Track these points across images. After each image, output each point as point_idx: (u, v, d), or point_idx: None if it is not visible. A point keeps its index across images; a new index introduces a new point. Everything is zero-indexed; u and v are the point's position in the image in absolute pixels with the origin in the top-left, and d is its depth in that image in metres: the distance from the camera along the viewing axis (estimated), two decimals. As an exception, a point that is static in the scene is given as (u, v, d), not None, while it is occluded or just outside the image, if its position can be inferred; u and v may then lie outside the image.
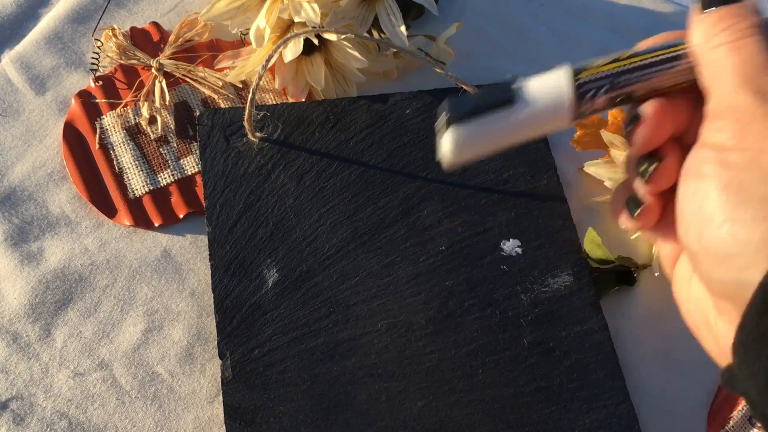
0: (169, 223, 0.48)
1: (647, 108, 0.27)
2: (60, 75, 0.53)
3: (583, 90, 0.27)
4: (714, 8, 0.26)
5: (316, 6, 0.47)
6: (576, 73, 0.27)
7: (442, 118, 0.27)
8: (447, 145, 0.27)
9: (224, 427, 0.41)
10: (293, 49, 0.48)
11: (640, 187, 0.29)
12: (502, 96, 0.27)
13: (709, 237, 0.24)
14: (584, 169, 0.49)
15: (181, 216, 0.49)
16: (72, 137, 0.50)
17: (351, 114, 0.51)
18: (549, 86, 0.27)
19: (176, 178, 0.50)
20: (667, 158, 0.28)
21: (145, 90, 0.52)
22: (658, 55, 0.27)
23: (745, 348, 0.22)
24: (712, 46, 0.25)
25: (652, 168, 0.28)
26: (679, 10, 0.61)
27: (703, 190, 0.25)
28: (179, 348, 0.44)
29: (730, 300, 0.24)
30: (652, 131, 0.27)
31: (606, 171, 0.48)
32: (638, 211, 0.29)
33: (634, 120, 0.28)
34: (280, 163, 0.49)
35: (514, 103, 0.26)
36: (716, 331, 0.27)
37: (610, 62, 0.27)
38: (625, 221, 0.30)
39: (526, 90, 0.27)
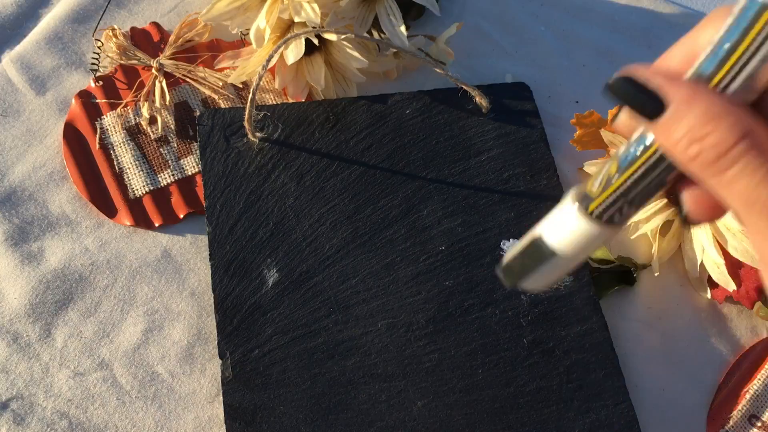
0: (170, 223, 0.48)
1: (686, 209, 0.25)
2: (60, 75, 0.53)
3: (605, 218, 0.26)
4: (665, 111, 0.22)
5: (316, 6, 0.47)
6: (586, 207, 0.26)
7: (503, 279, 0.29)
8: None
9: (224, 427, 0.41)
10: (295, 51, 0.48)
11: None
12: (540, 256, 0.27)
13: None
14: (584, 168, 0.49)
15: (182, 216, 0.49)
16: (72, 137, 0.51)
17: (351, 114, 0.51)
18: (574, 232, 0.26)
19: (176, 178, 0.50)
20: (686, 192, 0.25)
21: (145, 90, 0.52)
22: (652, 155, 0.24)
23: None
24: (700, 177, 0.22)
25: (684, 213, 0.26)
26: (679, 11, 0.61)
27: None
28: (179, 348, 0.44)
29: None
30: (706, 217, 0.25)
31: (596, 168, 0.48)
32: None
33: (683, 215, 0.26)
34: (281, 163, 0.49)
35: (555, 255, 0.27)
36: None
37: (606, 184, 0.25)
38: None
39: (557, 246, 0.27)
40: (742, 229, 0.23)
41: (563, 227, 0.27)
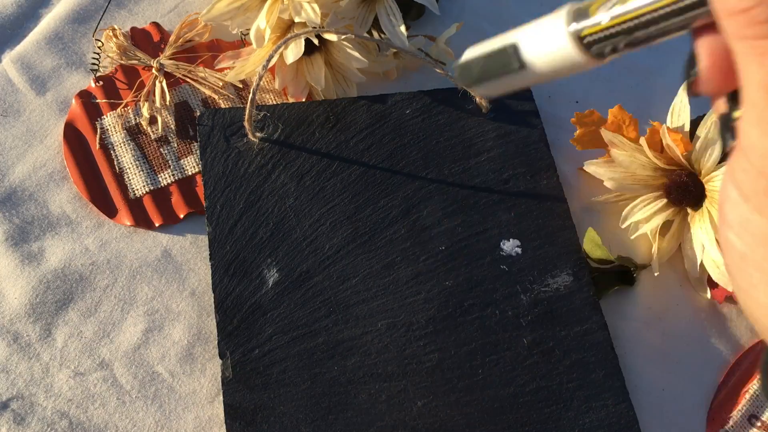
0: (170, 223, 0.48)
1: (701, 64, 0.21)
2: (60, 75, 0.53)
3: (595, 50, 0.23)
4: None
5: (316, 6, 0.47)
6: (580, 32, 0.22)
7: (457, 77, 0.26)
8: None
9: (224, 427, 0.41)
10: (295, 51, 0.48)
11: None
12: (507, 65, 0.24)
13: None
14: (584, 168, 0.49)
15: (182, 216, 0.49)
16: (72, 137, 0.51)
17: (351, 114, 0.51)
18: (555, 53, 0.23)
19: (176, 178, 0.50)
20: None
21: (145, 90, 0.52)
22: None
23: None
24: (735, 34, 0.19)
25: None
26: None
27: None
28: (179, 348, 0.45)
29: None
30: (718, 84, 0.21)
31: (606, 170, 0.48)
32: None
33: (693, 74, 0.22)
34: (281, 163, 0.49)
35: (524, 69, 0.24)
36: None
37: (617, 15, 0.22)
38: None
39: (530, 60, 0.24)
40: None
41: (545, 44, 0.23)
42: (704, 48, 0.21)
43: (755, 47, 0.18)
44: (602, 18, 0.22)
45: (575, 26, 0.23)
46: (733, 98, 0.21)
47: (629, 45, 0.22)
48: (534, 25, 0.24)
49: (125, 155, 0.50)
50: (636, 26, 0.22)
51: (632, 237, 0.48)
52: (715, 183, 0.44)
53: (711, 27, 0.20)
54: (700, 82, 0.21)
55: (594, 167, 0.49)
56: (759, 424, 0.44)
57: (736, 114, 0.21)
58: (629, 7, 0.21)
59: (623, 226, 0.48)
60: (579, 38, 0.22)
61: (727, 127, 0.22)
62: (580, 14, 0.23)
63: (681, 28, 0.21)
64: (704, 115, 0.46)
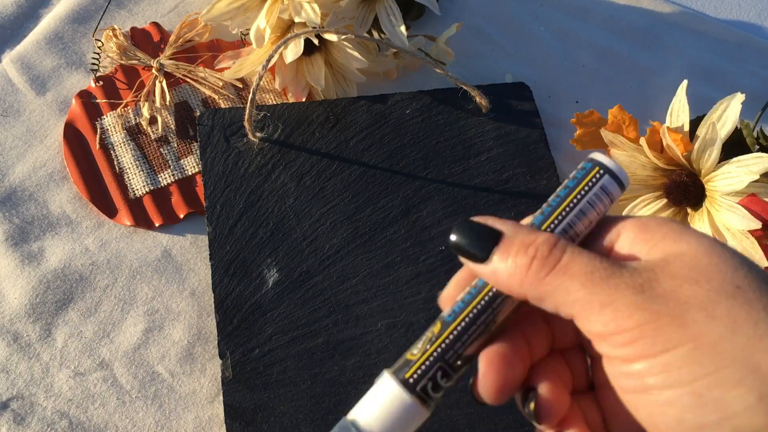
0: (170, 223, 0.48)
1: (480, 363, 0.25)
2: (60, 75, 0.53)
3: (419, 388, 0.25)
4: (495, 242, 0.25)
5: (316, 6, 0.47)
6: (403, 380, 0.25)
7: None
8: None
9: (224, 427, 0.41)
10: (294, 50, 0.48)
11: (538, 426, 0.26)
12: None
13: None
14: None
15: (182, 216, 0.49)
16: (72, 137, 0.51)
17: (351, 114, 0.51)
18: (389, 413, 0.24)
19: (176, 178, 0.50)
20: (541, 386, 0.26)
21: (145, 90, 0.52)
22: (469, 313, 0.25)
23: None
24: (533, 284, 0.24)
25: (533, 406, 0.25)
26: (678, 10, 0.61)
27: (661, 407, 0.22)
28: (180, 348, 0.45)
29: None
30: (497, 381, 0.25)
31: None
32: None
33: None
34: (281, 163, 0.49)
35: None
36: None
37: (427, 346, 0.25)
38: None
39: (370, 426, 0.24)
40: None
41: (378, 405, 0.24)
42: (483, 357, 0.25)
43: (558, 271, 0.23)
44: (414, 352, 0.25)
45: (394, 374, 0.25)
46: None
47: (445, 374, 0.25)
48: (366, 395, 0.25)
49: (125, 155, 0.50)
50: (450, 344, 0.25)
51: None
52: (714, 183, 0.44)
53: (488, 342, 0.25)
54: (478, 385, 0.25)
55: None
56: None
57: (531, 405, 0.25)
58: (435, 338, 0.25)
59: None
60: (404, 381, 0.24)
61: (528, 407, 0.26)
62: (401, 364, 0.25)
63: (485, 329, 0.25)
64: (704, 115, 0.46)
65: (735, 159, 0.43)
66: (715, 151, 0.43)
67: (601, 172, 0.26)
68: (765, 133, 0.49)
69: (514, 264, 0.24)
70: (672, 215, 0.47)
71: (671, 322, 0.21)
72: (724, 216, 0.43)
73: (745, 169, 0.41)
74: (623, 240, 0.25)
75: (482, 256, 0.25)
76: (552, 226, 0.25)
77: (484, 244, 0.25)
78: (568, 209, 0.25)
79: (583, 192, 0.25)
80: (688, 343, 0.21)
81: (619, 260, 0.24)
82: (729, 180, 0.42)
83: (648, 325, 0.22)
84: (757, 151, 0.48)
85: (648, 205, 0.47)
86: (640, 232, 0.24)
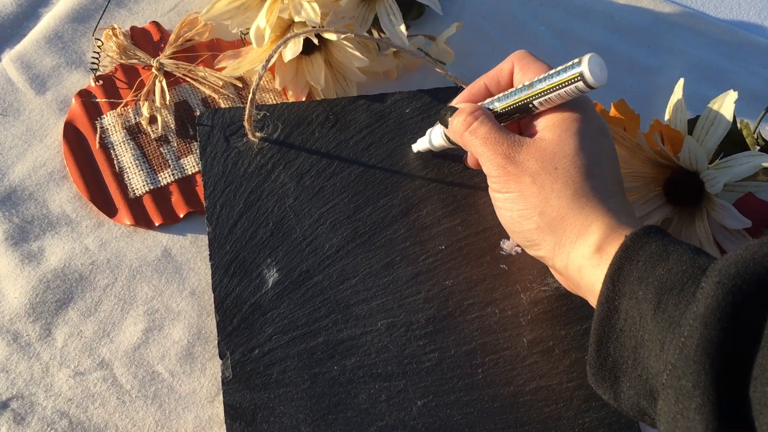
0: (170, 222, 0.48)
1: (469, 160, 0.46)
2: (60, 74, 0.53)
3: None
4: (451, 116, 0.41)
5: (316, 6, 0.47)
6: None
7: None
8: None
9: (224, 427, 0.41)
10: (293, 49, 0.48)
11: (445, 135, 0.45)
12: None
13: (517, 237, 0.41)
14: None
15: (182, 215, 0.49)
16: (72, 137, 0.51)
17: (351, 114, 0.51)
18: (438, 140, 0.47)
19: (176, 177, 0.50)
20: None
21: (145, 89, 0.52)
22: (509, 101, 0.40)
23: None
24: (460, 135, 0.41)
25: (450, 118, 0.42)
26: (678, 11, 0.61)
27: (503, 215, 0.40)
28: (179, 347, 0.45)
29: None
30: (473, 159, 0.44)
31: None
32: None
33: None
34: (280, 162, 0.49)
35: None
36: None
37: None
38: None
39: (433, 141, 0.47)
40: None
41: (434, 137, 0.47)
42: (470, 156, 0.44)
43: (471, 132, 0.41)
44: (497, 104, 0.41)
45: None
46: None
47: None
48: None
49: (125, 155, 0.50)
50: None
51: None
52: (713, 183, 0.44)
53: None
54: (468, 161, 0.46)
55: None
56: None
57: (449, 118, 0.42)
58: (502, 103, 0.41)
59: None
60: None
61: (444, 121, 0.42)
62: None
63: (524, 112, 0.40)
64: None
65: (726, 158, 0.43)
66: (701, 156, 0.43)
67: (578, 79, 0.37)
68: (763, 136, 0.49)
69: (452, 125, 0.41)
70: (671, 213, 0.47)
71: (514, 179, 0.38)
72: (718, 215, 0.43)
73: (726, 170, 0.42)
74: (542, 117, 0.39)
75: (446, 124, 0.42)
76: (511, 106, 0.40)
77: (448, 117, 0.42)
78: (532, 96, 0.39)
79: (551, 90, 0.38)
80: (516, 192, 0.38)
81: (514, 133, 0.39)
82: (712, 181, 0.42)
83: (503, 177, 0.39)
84: (759, 151, 0.48)
85: (647, 202, 0.47)
86: (551, 114, 0.39)
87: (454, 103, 0.43)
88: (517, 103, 0.39)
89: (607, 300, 0.33)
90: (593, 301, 0.36)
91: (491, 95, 0.42)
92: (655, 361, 0.31)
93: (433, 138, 0.46)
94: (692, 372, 0.28)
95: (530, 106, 0.39)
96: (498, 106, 0.41)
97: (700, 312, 0.29)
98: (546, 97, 0.38)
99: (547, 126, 0.39)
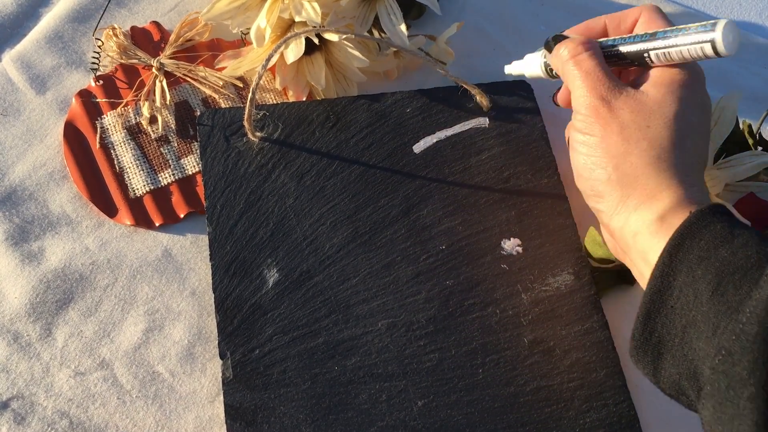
0: (170, 222, 0.48)
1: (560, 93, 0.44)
2: (60, 74, 0.53)
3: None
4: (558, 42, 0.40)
5: (316, 5, 0.47)
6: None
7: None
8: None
9: (225, 427, 0.41)
10: (295, 50, 0.48)
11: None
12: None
13: (582, 185, 0.39)
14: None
15: (182, 215, 0.49)
16: (72, 137, 0.51)
17: (351, 113, 0.51)
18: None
19: (177, 177, 0.50)
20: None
21: (145, 89, 0.52)
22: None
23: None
24: (563, 62, 0.39)
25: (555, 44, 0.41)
26: (679, 11, 0.61)
27: (576, 158, 0.39)
28: (180, 347, 0.44)
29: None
30: (566, 95, 0.43)
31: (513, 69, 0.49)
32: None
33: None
34: (281, 162, 0.49)
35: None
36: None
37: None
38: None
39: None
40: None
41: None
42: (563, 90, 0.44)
43: (576, 62, 0.39)
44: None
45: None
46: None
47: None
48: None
49: (125, 155, 0.50)
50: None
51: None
52: (712, 183, 0.44)
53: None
54: (558, 97, 0.44)
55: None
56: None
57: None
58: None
59: None
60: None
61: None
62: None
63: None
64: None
65: (728, 158, 0.43)
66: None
67: (707, 43, 0.35)
68: (764, 137, 0.49)
69: (557, 51, 0.40)
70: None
71: (601, 123, 0.37)
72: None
73: (728, 169, 0.42)
74: (650, 72, 0.38)
75: (550, 50, 0.41)
76: (633, 47, 0.38)
77: (553, 43, 0.40)
78: (659, 44, 0.37)
79: (673, 47, 0.36)
80: (599, 137, 0.37)
81: (618, 78, 0.38)
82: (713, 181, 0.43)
83: (590, 118, 0.37)
84: (760, 152, 0.47)
85: None
86: (660, 71, 0.38)
87: (567, 32, 0.42)
88: (634, 50, 0.38)
89: (662, 275, 0.32)
90: (638, 270, 0.36)
91: (606, 36, 0.41)
92: (705, 343, 0.30)
93: (530, 64, 0.45)
94: (749, 360, 0.27)
95: (645, 57, 0.37)
96: (612, 46, 0.39)
97: (763, 299, 0.28)
98: (665, 51, 0.36)
99: (653, 82, 0.37)
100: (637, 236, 0.35)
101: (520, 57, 0.47)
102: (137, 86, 0.52)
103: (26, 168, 0.50)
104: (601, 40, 0.40)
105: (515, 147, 0.50)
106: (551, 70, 0.43)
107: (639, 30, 0.39)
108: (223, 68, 0.53)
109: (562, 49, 0.39)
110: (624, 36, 0.39)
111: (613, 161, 0.36)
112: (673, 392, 0.33)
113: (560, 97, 0.44)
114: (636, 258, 0.36)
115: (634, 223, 0.35)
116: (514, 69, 0.47)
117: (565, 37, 0.40)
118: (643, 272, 0.35)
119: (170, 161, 0.50)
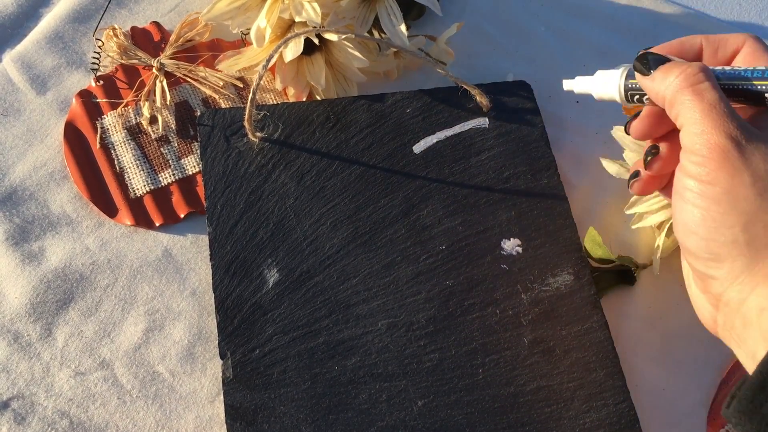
0: (170, 222, 0.48)
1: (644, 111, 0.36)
2: (61, 75, 0.53)
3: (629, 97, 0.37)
4: (661, 64, 0.34)
5: (316, 6, 0.47)
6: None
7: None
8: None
9: (225, 427, 0.41)
10: (293, 49, 0.48)
11: (643, 172, 0.37)
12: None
13: (693, 244, 0.32)
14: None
15: (182, 216, 0.49)
16: (73, 137, 0.51)
17: (351, 114, 0.51)
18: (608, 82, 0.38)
19: (177, 177, 0.50)
20: (662, 151, 0.36)
21: (146, 90, 0.52)
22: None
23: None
24: (674, 90, 0.32)
25: (650, 158, 0.36)
26: (679, 11, 0.61)
27: (688, 210, 0.32)
28: (180, 347, 0.45)
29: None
30: (644, 127, 0.37)
31: (616, 168, 0.48)
32: (634, 180, 0.38)
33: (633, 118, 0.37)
34: (281, 163, 0.49)
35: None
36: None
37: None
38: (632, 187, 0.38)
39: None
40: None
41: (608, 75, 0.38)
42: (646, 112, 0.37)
43: (694, 91, 0.32)
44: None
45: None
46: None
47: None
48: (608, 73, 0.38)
49: (126, 155, 0.50)
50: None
51: (633, 227, 0.48)
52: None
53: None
54: (631, 128, 0.37)
55: (607, 162, 0.48)
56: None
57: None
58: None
59: (627, 212, 0.48)
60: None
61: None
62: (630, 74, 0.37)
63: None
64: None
65: None
66: None
67: None
68: None
69: (662, 76, 0.33)
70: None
71: (730, 171, 0.30)
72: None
73: None
74: None
75: (648, 71, 0.34)
76: (732, 83, 0.32)
77: (652, 64, 0.34)
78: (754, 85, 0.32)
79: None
80: (724, 189, 0.30)
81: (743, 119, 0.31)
82: None
83: (715, 162, 0.30)
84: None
85: (656, 197, 0.47)
86: None
87: (657, 50, 0.35)
88: (754, 85, 0.32)
89: None
90: (749, 349, 0.31)
91: (700, 59, 0.35)
92: None
93: (603, 83, 0.37)
94: None
95: (766, 96, 0.32)
96: (731, 78, 0.32)
97: None
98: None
99: None
100: (764, 312, 0.29)
101: (520, 56, 0.47)
102: (137, 86, 0.53)
103: (27, 168, 0.50)
104: (712, 68, 0.34)
105: (515, 147, 0.51)
106: (634, 95, 0.36)
107: (741, 62, 0.34)
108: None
109: (674, 76, 0.32)
110: (739, 68, 0.33)
111: (742, 220, 0.30)
112: None
113: (637, 127, 0.37)
114: (754, 336, 0.30)
115: (762, 297, 0.29)
116: (577, 86, 0.40)
117: (663, 57, 0.34)
118: (756, 353, 0.30)
119: (170, 161, 0.50)
